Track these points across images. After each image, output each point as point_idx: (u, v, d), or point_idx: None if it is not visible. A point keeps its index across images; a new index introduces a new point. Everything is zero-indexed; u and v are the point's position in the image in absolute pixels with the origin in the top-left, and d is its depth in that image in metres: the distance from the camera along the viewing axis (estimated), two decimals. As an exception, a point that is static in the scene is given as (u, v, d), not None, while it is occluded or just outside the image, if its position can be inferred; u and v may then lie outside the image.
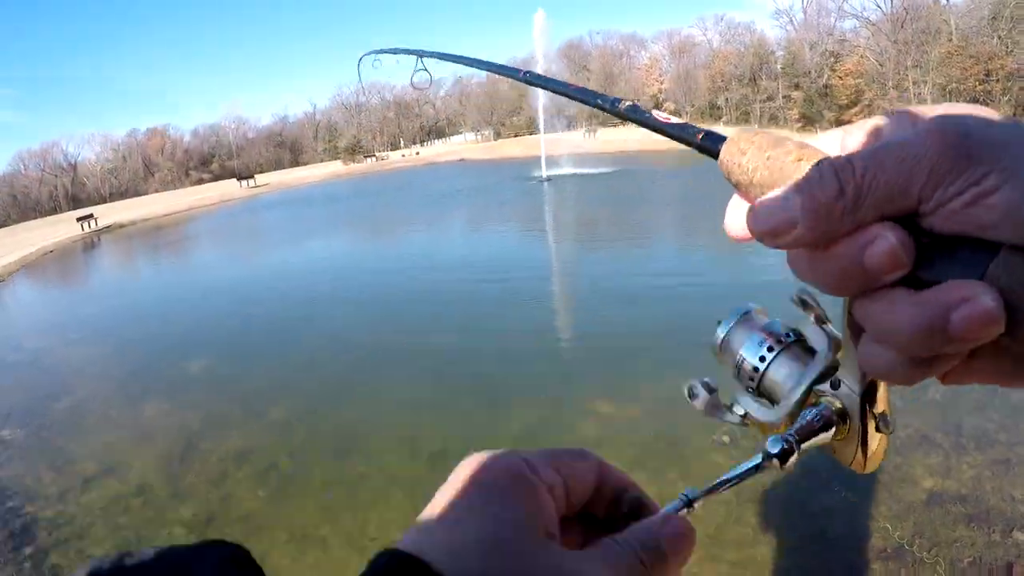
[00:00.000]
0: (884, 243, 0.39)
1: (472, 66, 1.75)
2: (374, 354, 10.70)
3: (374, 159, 77.60)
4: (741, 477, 0.58)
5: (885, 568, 4.77)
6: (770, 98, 69.50)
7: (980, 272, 0.38)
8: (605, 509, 0.56)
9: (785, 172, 0.47)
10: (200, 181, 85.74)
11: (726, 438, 6.72)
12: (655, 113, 0.71)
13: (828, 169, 0.42)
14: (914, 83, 50.48)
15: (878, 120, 0.47)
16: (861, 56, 57.30)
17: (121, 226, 40.88)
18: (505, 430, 7.85)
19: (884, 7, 58.37)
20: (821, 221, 0.41)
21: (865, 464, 0.57)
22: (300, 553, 6.08)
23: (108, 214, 46.08)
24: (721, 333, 0.64)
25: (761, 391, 0.61)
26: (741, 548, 4.99)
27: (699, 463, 6.30)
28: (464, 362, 10.14)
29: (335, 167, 73.48)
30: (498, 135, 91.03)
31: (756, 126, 66.89)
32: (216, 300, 17.13)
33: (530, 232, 21.99)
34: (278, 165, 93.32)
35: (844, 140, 0.48)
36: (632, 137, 60.74)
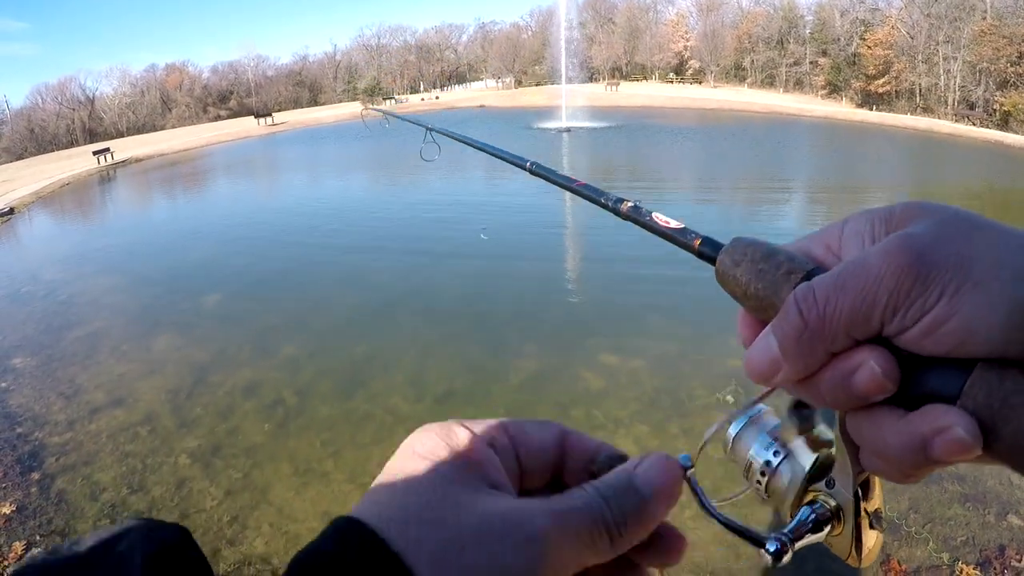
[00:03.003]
0: (867, 371, 0.41)
1: (480, 149, 1.81)
2: (386, 297, 10.74)
3: (393, 102, 77.02)
4: (736, 530, 0.57)
5: (876, 539, 4.76)
6: (797, 63, 68.13)
7: (958, 389, 0.39)
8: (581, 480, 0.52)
9: (776, 286, 0.49)
10: (218, 118, 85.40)
11: (730, 398, 6.74)
12: (655, 216, 0.74)
13: (790, 302, 0.44)
14: (944, 59, 49.21)
15: (861, 220, 0.48)
16: (892, 27, 55.69)
17: (138, 160, 40.84)
18: (510, 376, 7.89)
19: (920, -22, 57.05)
20: (798, 358, 0.43)
21: (860, 560, 0.57)
22: (303, 486, 6.18)
23: (125, 148, 46.03)
24: (732, 432, 0.62)
25: (768, 491, 0.61)
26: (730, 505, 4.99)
27: (701, 419, 6.33)
28: (473, 308, 10.17)
29: (354, 108, 72.89)
30: (519, 83, 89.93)
31: (781, 91, 65.84)
32: (231, 237, 17.15)
33: (546, 183, 21.80)
34: (296, 104, 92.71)
35: (843, 234, 0.49)
36: (655, 93, 60.06)
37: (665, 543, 0.50)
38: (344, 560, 0.40)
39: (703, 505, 0.54)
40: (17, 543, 5.54)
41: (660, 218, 0.72)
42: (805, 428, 0.57)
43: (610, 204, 0.89)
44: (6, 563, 5.30)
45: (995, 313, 0.37)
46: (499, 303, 10.24)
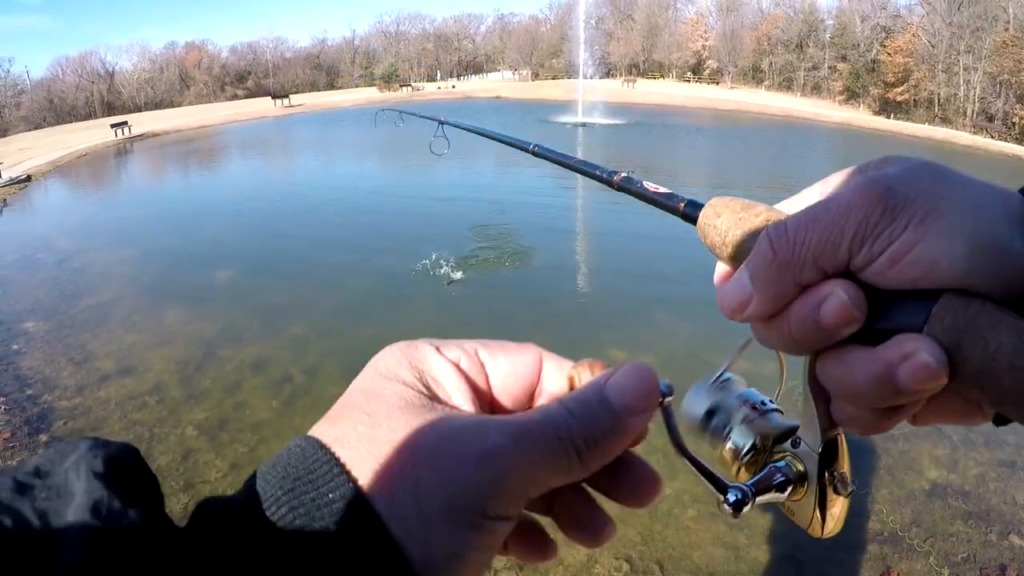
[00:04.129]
0: (835, 300, 0.41)
1: (489, 137, 1.88)
2: (397, 280, 10.71)
3: (410, 89, 76.95)
4: (703, 472, 0.57)
5: (879, 551, 4.76)
6: (815, 67, 67.73)
7: (924, 318, 0.39)
8: None
9: (754, 230, 0.51)
10: (235, 97, 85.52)
11: None
12: (645, 184, 0.77)
13: (763, 237, 0.45)
14: (964, 69, 48.87)
15: (838, 175, 0.51)
16: (913, 34, 55.24)
17: (154, 135, 40.93)
18: None
19: (943, -14, 56.50)
20: (768, 288, 0.44)
21: (823, 528, 0.56)
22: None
23: (142, 123, 46.12)
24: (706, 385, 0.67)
25: (733, 445, 0.62)
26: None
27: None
28: (484, 295, 10.17)
29: (370, 93, 72.97)
30: (536, 76, 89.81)
31: (798, 94, 65.49)
32: (243, 214, 17.20)
33: (559, 176, 21.81)
34: (313, 87, 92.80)
35: (821, 193, 0.52)
36: (672, 91, 59.80)
37: (638, 478, 0.50)
38: (298, 476, 0.41)
39: (673, 438, 0.54)
40: None
41: (650, 186, 0.76)
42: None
43: (604, 176, 0.92)
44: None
45: (957, 242, 0.38)
46: (510, 291, 10.23)
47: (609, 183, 0.89)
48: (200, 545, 0.37)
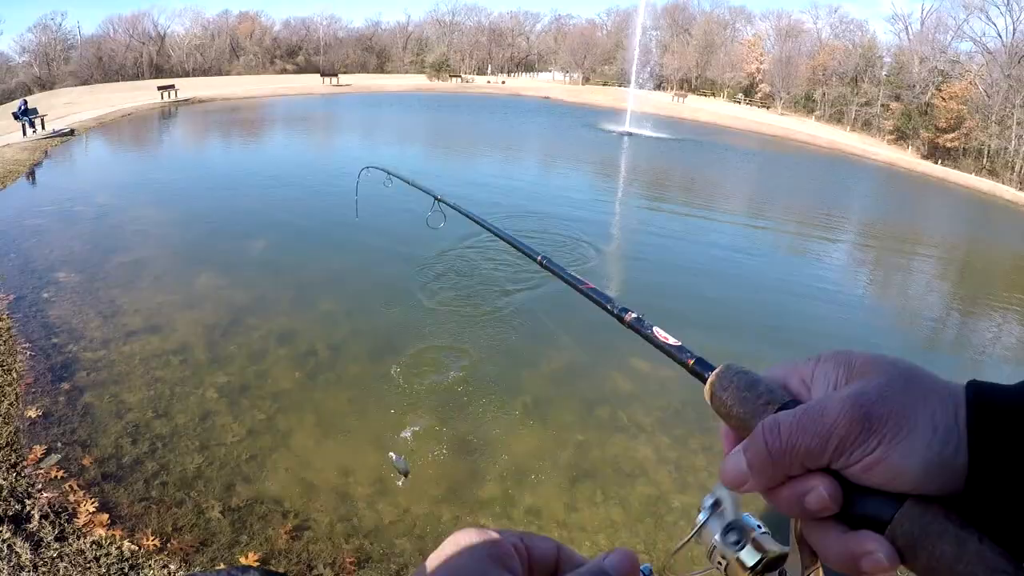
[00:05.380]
0: (817, 494, 0.52)
1: (491, 232, 1.88)
2: (431, 271, 10.74)
3: (459, 80, 77.13)
4: None
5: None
6: (868, 103, 66.44)
7: (890, 515, 0.51)
8: None
9: (754, 413, 0.60)
10: (284, 71, 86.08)
11: None
12: (655, 331, 0.86)
13: (759, 431, 0.56)
14: (1018, 123, 47.89)
15: (831, 360, 0.60)
16: (970, 82, 54.11)
17: (200, 101, 41.36)
18: (541, 365, 7.92)
19: (1005, 37, 54.91)
20: (761, 476, 0.56)
21: None
22: (324, 437, 6.28)
23: (189, 88, 46.60)
24: (701, 519, 0.71)
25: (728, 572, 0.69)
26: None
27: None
28: (515, 293, 10.16)
29: (419, 80, 73.27)
30: (587, 80, 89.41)
31: (848, 128, 64.54)
32: (281, 187, 17.35)
33: (600, 182, 21.81)
34: (363, 69, 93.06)
35: (814, 373, 0.60)
36: (721, 110, 59.16)
37: None
38: None
39: None
40: (38, 447, 5.68)
41: (660, 333, 0.84)
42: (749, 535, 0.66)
43: (614, 312, 1.00)
44: (24, 464, 5.43)
45: (916, 461, 0.50)
46: (540, 291, 10.20)
47: (620, 319, 0.97)
48: None
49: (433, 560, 0.54)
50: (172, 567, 4.46)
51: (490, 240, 12.11)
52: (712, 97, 79.01)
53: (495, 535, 0.56)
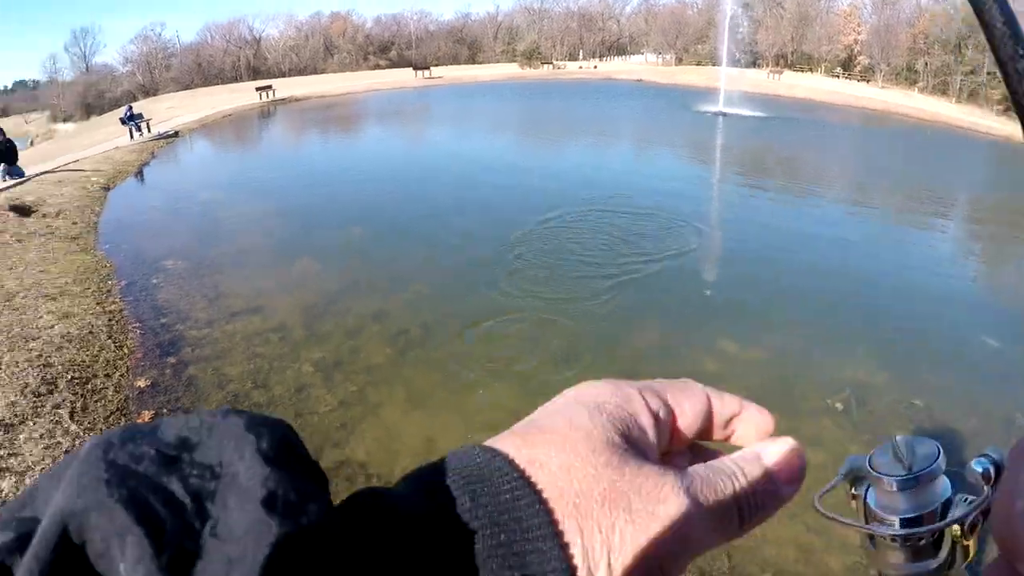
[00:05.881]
0: None
1: None
2: (521, 259, 10.82)
3: (551, 66, 77.26)
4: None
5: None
6: (973, 72, 62.56)
7: None
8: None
9: None
10: (377, 67, 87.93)
11: (839, 405, 6.52)
12: None
13: None
14: None
15: None
16: None
17: (296, 99, 42.71)
18: (631, 346, 7.95)
19: None
20: None
21: None
22: (412, 411, 6.50)
23: (285, 87, 48.12)
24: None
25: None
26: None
27: (809, 423, 6.19)
28: (600, 279, 10.09)
29: (511, 69, 73.71)
30: (680, 61, 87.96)
31: (953, 100, 61.07)
32: (379, 178, 17.83)
33: (696, 163, 21.52)
34: (454, 60, 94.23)
35: None
36: (818, 86, 57.08)
37: None
38: (483, 486, 0.37)
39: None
40: (145, 412, 6.19)
41: None
42: None
43: None
44: (140, 428, 5.85)
45: None
46: (635, 271, 10.23)
47: None
48: (385, 553, 0.33)
49: (540, 415, 0.44)
50: None
51: (576, 223, 12.25)
52: (809, 72, 76.39)
53: (632, 396, 0.44)
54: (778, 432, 0.48)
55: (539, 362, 7.44)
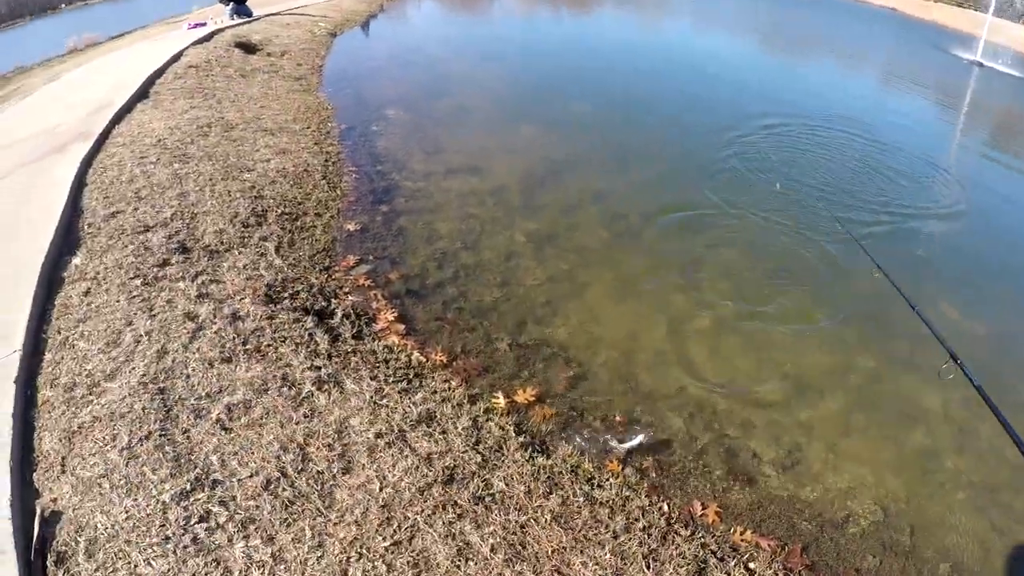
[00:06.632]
0: None
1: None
2: (754, 159, 9.78)
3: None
4: None
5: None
6: None
7: None
8: None
9: None
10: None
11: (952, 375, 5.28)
12: None
13: None
14: None
15: None
16: None
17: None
18: (852, 288, 6.91)
19: None
20: None
21: None
22: (619, 297, 6.03)
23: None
24: None
25: None
26: None
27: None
28: (832, 194, 9.10)
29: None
30: (943, -5, 79.32)
31: None
32: (610, 59, 16.90)
33: (942, 113, 18.76)
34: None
35: None
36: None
37: None
38: None
39: None
40: (351, 256, 5.97)
41: None
42: None
43: None
44: (336, 268, 5.71)
45: None
46: (856, 193, 9.06)
47: None
48: None
49: None
50: (453, 383, 4.46)
51: (812, 132, 11.07)
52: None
53: None
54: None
55: (754, 276, 6.69)
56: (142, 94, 9.32)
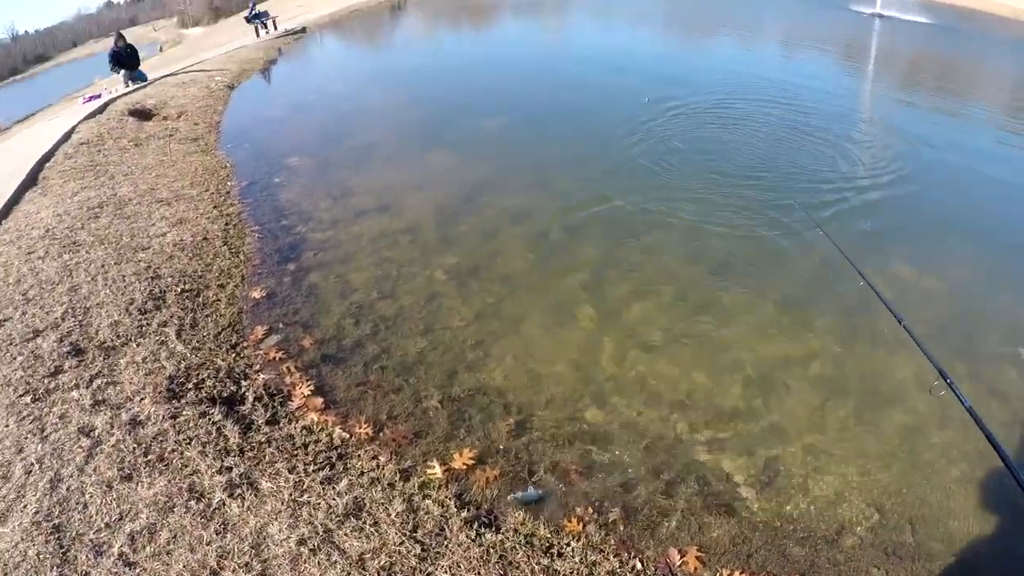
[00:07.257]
0: None
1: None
2: (675, 157, 9.69)
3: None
4: None
5: None
6: None
7: None
8: None
9: None
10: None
11: (943, 392, 5.18)
12: None
13: None
14: None
15: None
16: None
17: (430, -5, 41.71)
18: (798, 265, 6.76)
19: None
20: None
21: None
22: (555, 326, 5.72)
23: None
24: None
25: None
26: None
27: (989, 368, 5.17)
28: (764, 185, 8.77)
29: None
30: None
31: None
32: (516, 70, 16.93)
33: (848, 69, 18.81)
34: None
35: None
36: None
37: None
38: None
39: None
40: (259, 327, 5.57)
41: None
42: None
43: None
44: (245, 344, 5.33)
45: None
46: (784, 186, 8.92)
47: None
48: None
49: None
50: (382, 458, 4.07)
51: (720, 106, 10.98)
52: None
53: None
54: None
55: (698, 275, 6.48)
56: (30, 182, 8.92)
